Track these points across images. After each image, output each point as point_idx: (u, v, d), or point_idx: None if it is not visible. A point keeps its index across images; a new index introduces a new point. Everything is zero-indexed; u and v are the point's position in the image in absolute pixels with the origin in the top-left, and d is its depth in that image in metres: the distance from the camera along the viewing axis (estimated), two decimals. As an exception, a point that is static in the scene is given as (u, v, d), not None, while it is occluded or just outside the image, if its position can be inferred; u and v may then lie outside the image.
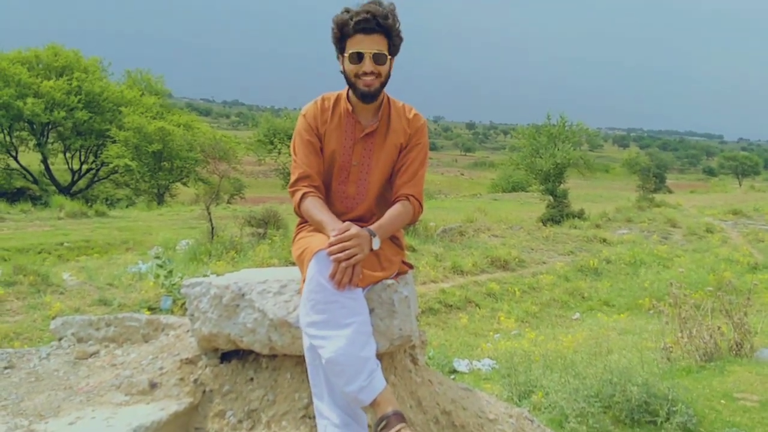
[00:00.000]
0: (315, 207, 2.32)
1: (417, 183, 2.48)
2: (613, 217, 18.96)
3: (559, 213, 19.52)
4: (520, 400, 4.11)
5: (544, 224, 17.51)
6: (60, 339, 2.95)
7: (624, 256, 12.31)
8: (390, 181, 2.51)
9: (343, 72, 2.36)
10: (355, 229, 2.15)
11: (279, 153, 26.15)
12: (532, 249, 13.11)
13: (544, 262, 12.12)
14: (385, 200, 2.51)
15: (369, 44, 2.27)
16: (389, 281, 2.40)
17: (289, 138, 21.95)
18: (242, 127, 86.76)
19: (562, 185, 21.23)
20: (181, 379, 2.46)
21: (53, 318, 6.17)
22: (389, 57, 2.34)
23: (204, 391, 2.44)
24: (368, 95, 2.34)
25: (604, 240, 14.64)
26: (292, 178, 2.43)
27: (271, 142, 26.06)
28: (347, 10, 2.29)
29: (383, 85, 2.36)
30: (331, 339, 2.06)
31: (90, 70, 31.85)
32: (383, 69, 2.33)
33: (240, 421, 2.34)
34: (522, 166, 23.02)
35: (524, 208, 24.94)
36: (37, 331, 6.10)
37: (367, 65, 2.28)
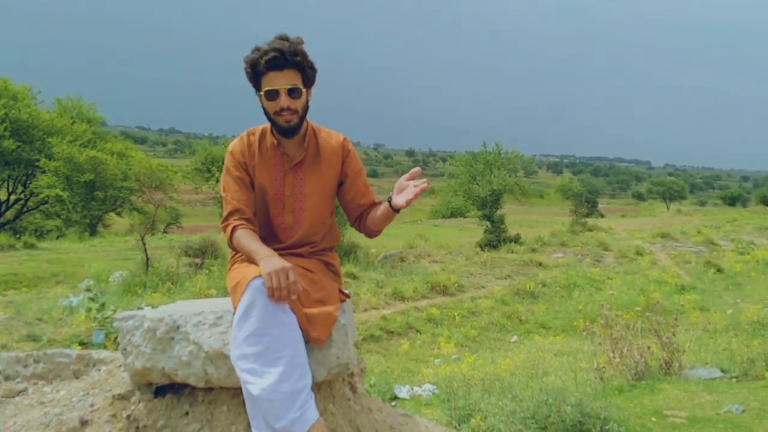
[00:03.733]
0: (245, 238, 2.33)
1: (373, 204, 2.55)
2: (548, 241, 19.43)
3: (496, 238, 19.88)
4: (459, 425, 4.15)
5: (482, 249, 17.79)
6: (-16, 378, 2.83)
7: (559, 279, 12.63)
8: (328, 210, 2.55)
9: (263, 109, 2.40)
10: (279, 265, 2.14)
11: (216, 181, 25.76)
12: (471, 274, 13.31)
13: (483, 287, 12.31)
14: (322, 225, 2.54)
15: (282, 80, 2.31)
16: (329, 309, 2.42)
17: (227, 166, 21.56)
18: (179, 155, 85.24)
19: (498, 211, 21.67)
20: (114, 416, 2.40)
21: (-23, 356, 5.89)
22: (304, 90, 2.37)
23: (137, 427, 2.39)
24: (288, 131, 2.39)
25: (540, 264, 14.99)
26: (224, 213, 2.45)
27: (209, 170, 25.69)
28: (257, 49, 2.32)
29: (302, 118, 2.40)
30: (261, 375, 2.06)
31: (19, 97, 30.80)
32: (299, 103, 2.36)
33: (175, 457, 2.30)
34: (460, 192, 23.41)
35: (463, 233, 25.30)
36: (-41, 370, 5.80)
37: (283, 101, 2.32)
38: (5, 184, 30.36)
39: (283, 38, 2.32)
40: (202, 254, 12.76)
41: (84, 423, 2.36)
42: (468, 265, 14.05)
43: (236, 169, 2.45)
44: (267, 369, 2.06)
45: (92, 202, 26.98)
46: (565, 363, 6.33)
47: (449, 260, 14.57)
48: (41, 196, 27.69)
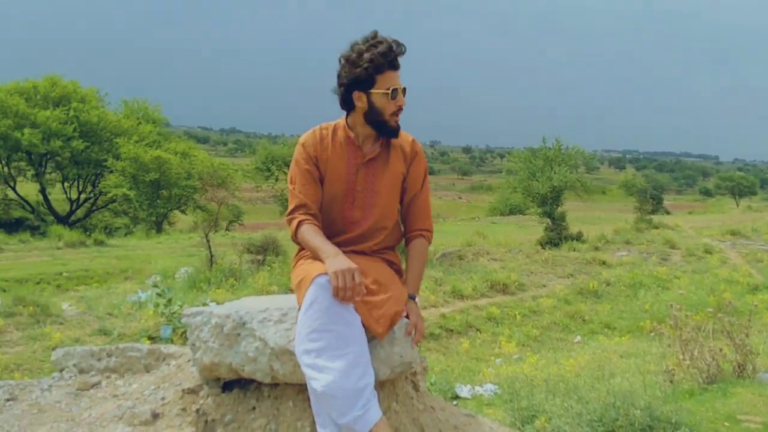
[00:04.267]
0: (310, 234, 2.34)
1: (428, 215, 2.59)
2: (611, 239, 18.96)
3: (557, 236, 19.52)
4: (523, 426, 4.08)
5: (543, 247, 17.50)
6: (61, 370, 2.94)
7: (624, 278, 12.30)
8: (396, 208, 2.57)
9: (368, 108, 2.38)
10: (345, 265, 2.15)
11: (276, 180, 26.26)
12: (532, 272, 13.10)
13: (544, 285, 12.10)
14: (388, 221, 2.55)
15: (398, 80, 2.37)
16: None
17: (287, 165, 21.87)
18: (240, 154, 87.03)
19: (559, 208, 21.27)
20: (183, 409, 2.45)
21: (53, 349, 6.13)
22: None
23: (206, 421, 2.43)
24: (398, 130, 2.44)
25: (604, 262, 14.64)
26: (290, 206, 2.46)
27: (269, 169, 26.16)
28: (371, 45, 2.33)
29: None
30: (324, 370, 2.07)
31: (87, 99, 32.05)
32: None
33: (242, 451, 2.33)
34: (519, 189, 23.08)
35: (523, 231, 24.94)
36: (37, 362, 6.06)
37: (402, 99, 2.38)
38: (76, 183, 31.68)
39: (392, 39, 2.34)
40: (264, 251, 12.97)
41: (155, 416, 2.42)
42: (528, 264, 13.83)
43: (306, 162, 2.45)
44: (329, 365, 2.07)
45: (158, 200, 27.86)
46: (632, 365, 6.15)
47: (509, 258, 14.38)
48: (109, 194, 28.76)
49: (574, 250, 16.68)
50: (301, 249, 2.52)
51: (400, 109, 2.38)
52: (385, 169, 2.49)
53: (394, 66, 2.34)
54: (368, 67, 2.31)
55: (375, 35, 2.35)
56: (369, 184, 2.48)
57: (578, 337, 8.97)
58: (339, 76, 2.40)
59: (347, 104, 2.43)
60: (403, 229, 2.63)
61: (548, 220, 20.87)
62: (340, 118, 2.55)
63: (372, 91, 2.35)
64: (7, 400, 2.69)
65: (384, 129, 2.42)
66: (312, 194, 2.44)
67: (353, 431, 2.05)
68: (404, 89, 2.38)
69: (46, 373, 5.55)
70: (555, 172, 21.06)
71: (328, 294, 2.14)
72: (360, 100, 2.38)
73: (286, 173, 24.65)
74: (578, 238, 19.35)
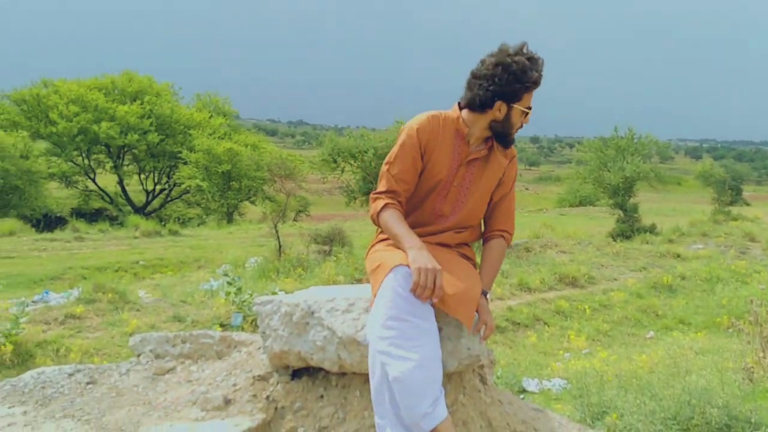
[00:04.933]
0: (393, 219, 2.33)
1: (511, 217, 2.60)
2: (687, 231, 18.27)
3: (629, 228, 18.96)
4: (593, 422, 3.99)
5: (614, 239, 17.03)
6: (138, 355, 3.06)
7: (700, 272, 11.83)
8: (483, 209, 2.57)
9: (504, 120, 2.40)
10: (431, 264, 2.15)
11: (342, 171, 26.46)
12: (602, 265, 12.76)
13: (615, 279, 11.77)
14: (474, 220, 2.56)
15: (531, 99, 2.39)
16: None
17: (353, 156, 21.88)
18: (307, 146, 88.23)
19: (632, 199, 20.63)
20: (254, 396, 2.51)
21: (131, 334, 6.39)
22: None
23: (276, 408, 2.48)
24: (512, 142, 2.49)
25: (678, 255, 14.11)
26: (379, 186, 2.44)
27: (335, 161, 26.36)
28: (531, 62, 2.33)
29: None
30: (399, 359, 2.06)
31: (162, 94, 33.19)
32: None
33: (311, 439, 2.37)
34: (589, 180, 22.50)
35: (593, 223, 24.34)
36: (115, 347, 6.34)
37: (528, 120, 2.41)
38: (151, 175, 32.90)
39: (538, 58, 2.35)
40: (330, 242, 13.11)
41: (227, 402, 2.49)
42: (599, 256, 13.47)
43: (413, 148, 2.41)
44: (405, 354, 2.06)
45: (229, 191, 28.58)
46: (709, 362, 5.91)
47: (578, 251, 14.05)
48: (183, 186, 29.72)
49: (647, 242, 16.16)
50: (379, 235, 2.52)
51: (522, 126, 2.42)
52: (484, 172, 2.49)
53: (535, 87, 2.37)
54: (529, 86, 2.34)
55: (527, 49, 2.34)
56: (465, 182, 2.47)
57: (651, 333, 8.70)
58: (487, 78, 2.34)
59: (483, 106, 2.38)
60: (485, 227, 2.63)
61: (620, 212, 20.28)
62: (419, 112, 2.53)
63: (515, 105, 2.36)
64: (88, 383, 2.81)
65: (503, 140, 2.45)
66: (407, 181, 2.42)
67: (419, 427, 2.05)
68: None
69: (124, 358, 5.80)
70: (627, 162, 20.42)
71: (407, 284, 2.14)
72: (500, 109, 2.37)
73: (351, 165, 24.78)
74: (652, 230, 18.75)
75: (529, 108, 2.38)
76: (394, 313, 2.11)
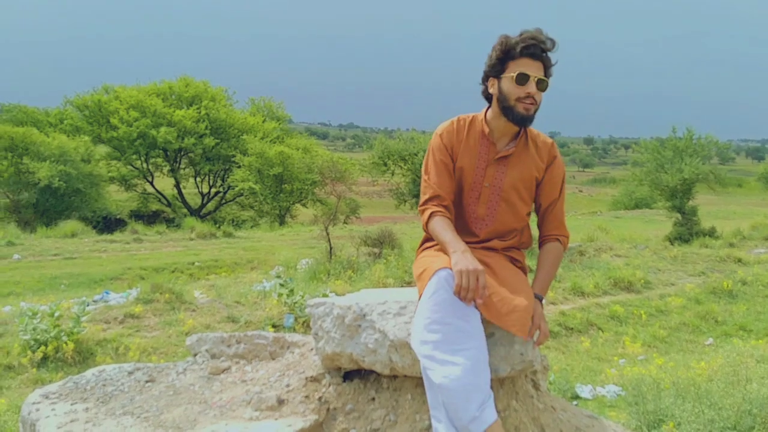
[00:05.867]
0: (440, 226, 2.34)
1: (563, 221, 2.56)
2: (748, 235, 17.64)
3: (687, 231, 18.43)
4: (649, 431, 3.90)
5: (672, 243, 16.58)
6: (195, 355, 3.13)
7: (762, 278, 11.40)
8: (525, 210, 2.53)
9: (498, 94, 2.39)
10: (472, 265, 2.13)
11: (392, 174, 26.55)
12: (659, 270, 12.43)
13: (673, 284, 11.45)
14: (515, 222, 2.51)
15: (534, 69, 2.32)
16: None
17: (402, 159, 21.96)
18: (357, 149, 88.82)
19: (690, 202, 20.05)
20: (307, 397, 2.54)
21: (186, 334, 6.57)
22: (548, 85, 2.37)
23: (328, 409, 2.50)
24: (525, 119, 2.37)
25: (739, 260, 13.63)
26: (423, 197, 2.47)
27: (385, 164, 26.47)
28: (509, 36, 2.34)
29: (536, 112, 2.39)
30: (443, 363, 2.05)
31: (217, 98, 33.92)
32: (541, 96, 2.36)
33: (363, 440, 2.38)
34: (646, 181, 21.96)
35: (649, 226, 23.75)
36: (172, 346, 6.50)
37: (531, 87, 2.32)
38: (207, 178, 33.64)
39: (541, 32, 2.34)
40: (380, 244, 13.16)
41: (281, 402, 2.52)
42: (655, 260, 13.13)
43: (441, 153, 2.46)
44: (447, 358, 2.05)
45: (281, 194, 28.99)
46: (772, 370, 5.70)
47: (634, 254, 13.73)
48: (237, 188, 30.27)
49: (707, 246, 15.67)
50: (428, 238, 2.54)
51: (528, 96, 2.32)
52: (517, 169, 2.46)
53: (531, 54, 2.31)
54: (500, 52, 2.34)
55: (526, 30, 2.34)
56: (497, 182, 2.45)
57: (710, 340, 8.43)
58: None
59: (486, 94, 2.44)
60: (539, 233, 2.60)
61: (678, 215, 19.74)
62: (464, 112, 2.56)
63: (503, 76, 2.36)
64: (147, 381, 2.89)
65: (511, 115, 2.37)
66: (446, 186, 2.44)
67: (467, 431, 2.04)
68: (540, 79, 2.32)
69: (180, 357, 5.95)
70: (686, 164, 19.85)
71: (449, 288, 2.13)
72: (493, 86, 2.40)
73: (401, 167, 24.77)
74: (711, 233, 18.18)
75: (519, 73, 2.30)
76: (437, 317, 2.11)
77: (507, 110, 2.37)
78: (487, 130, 2.45)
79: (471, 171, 2.45)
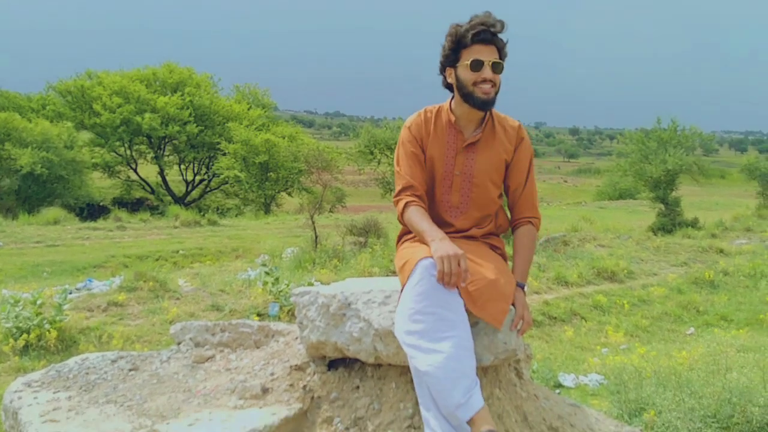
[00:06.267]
0: (416, 216, 2.37)
1: (535, 203, 2.57)
2: (730, 226, 17.84)
3: (670, 222, 18.61)
4: (630, 418, 3.94)
5: (655, 234, 16.73)
6: (179, 343, 3.12)
7: (743, 268, 11.54)
8: (497, 193, 2.55)
9: (456, 82, 2.41)
10: (452, 250, 2.15)
11: (379, 163, 26.52)
12: (642, 260, 12.55)
13: (655, 274, 11.57)
14: (487, 208, 2.52)
15: (487, 54, 2.34)
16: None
17: (389, 148, 21.96)
18: (343, 138, 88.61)
19: (673, 192, 20.23)
20: (291, 385, 2.54)
21: (171, 322, 6.54)
22: (503, 67, 2.38)
23: (312, 398, 2.51)
24: (486, 102, 2.38)
25: (721, 250, 13.79)
26: (396, 188, 2.50)
27: (371, 152, 26.44)
28: (459, 25, 2.36)
29: (496, 95, 2.40)
30: (427, 352, 2.07)
31: (202, 85, 33.64)
32: (498, 79, 2.37)
33: (347, 429, 2.39)
34: (630, 172, 22.11)
35: (633, 216, 23.95)
36: (156, 334, 6.47)
37: (487, 72, 2.33)
38: (191, 165, 33.43)
39: (490, 15, 2.35)
40: (366, 233, 13.16)
41: (265, 391, 2.53)
42: (638, 251, 13.25)
43: (411, 144, 2.49)
44: (433, 346, 2.07)
45: (266, 182, 28.89)
46: (751, 359, 5.78)
47: (617, 245, 13.84)
48: (222, 176, 30.12)
49: (689, 237, 15.83)
50: (406, 231, 2.55)
51: (485, 80, 2.34)
52: (486, 154, 2.48)
53: (483, 40, 2.33)
54: (452, 42, 2.37)
55: (475, 16, 2.35)
56: (467, 169, 2.48)
57: (691, 329, 8.53)
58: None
59: (445, 84, 2.47)
60: (509, 217, 2.61)
61: (661, 206, 19.92)
62: (445, 101, 2.56)
63: (458, 65, 2.38)
64: (130, 370, 2.89)
65: (471, 101, 2.39)
66: (418, 176, 2.47)
67: (455, 418, 2.05)
68: (494, 63, 2.34)
69: (164, 346, 5.92)
70: (670, 155, 20.00)
71: (432, 277, 2.14)
72: (450, 76, 2.43)
73: (388, 156, 24.77)
74: (694, 224, 18.38)
75: (473, 60, 2.33)
76: (420, 307, 2.12)
77: (467, 97, 2.39)
78: (453, 118, 2.48)
79: (441, 160, 2.48)
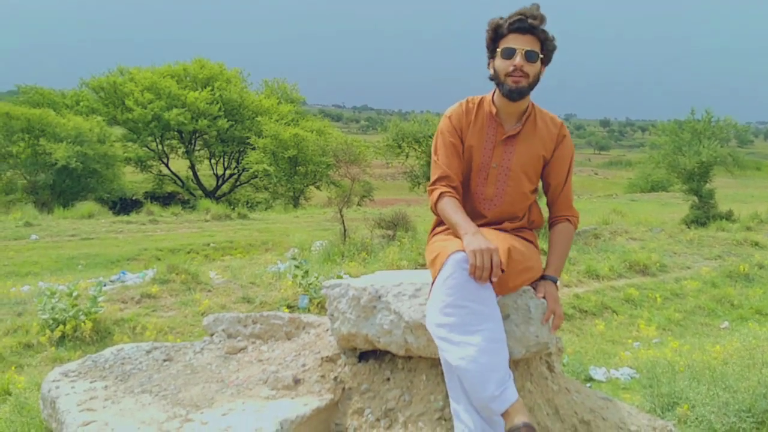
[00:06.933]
0: (450, 207, 2.36)
1: (572, 199, 2.58)
2: (766, 218, 17.43)
3: (704, 214, 18.26)
4: (663, 413, 3.89)
5: (688, 226, 16.44)
6: (212, 334, 3.16)
7: (779, 261, 11.31)
8: (532, 188, 2.55)
9: (494, 73, 2.41)
10: (485, 245, 2.14)
11: (407, 156, 26.48)
12: (675, 253, 12.35)
13: (689, 267, 11.38)
14: (521, 202, 2.50)
15: (521, 42, 2.33)
16: (525, 287, 2.39)
17: (417, 141, 21.89)
18: (371, 131, 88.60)
19: (707, 185, 19.84)
20: (322, 376, 2.57)
21: (203, 314, 6.63)
22: (540, 57, 2.36)
23: (343, 389, 2.53)
24: (515, 91, 2.36)
25: (757, 243, 13.50)
26: (432, 177, 2.50)
27: (399, 146, 26.42)
28: (497, 18, 2.38)
29: (531, 86, 2.38)
30: (459, 345, 2.06)
31: (232, 80, 33.90)
32: (532, 68, 2.35)
33: (378, 420, 2.40)
34: (663, 164, 21.74)
35: (665, 209, 23.57)
36: (188, 326, 6.56)
37: (518, 60, 2.32)
38: (221, 159, 33.75)
39: (533, 7, 2.35)
40: (394, 226, 13.14)
41: (297, 381, 2.55)
42: (671, 244, 13.04)
43: (450, 134, 2.49)
44: (465, 339, 2.06)
45: (295, 176, 29.04)
46: (788, 354, 5.66)
47: (650, 238, 13.63)
48: (251, 170, 30.36)
49: (723, 230, 15.52)
50: (438, 223, 2.55)
51: (515, 69, 2.32)
52: (524, 148, 2.47)
53: (518, 29, 2.32)
54: (490, 33, 2.38)
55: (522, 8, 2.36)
56: (504, 161, 2.46)
57: (726, 323, 8.38)
58: None
59: (490, 77, 2.46)
60: (549, 214, 2.62)
61: (695, 198, 19.56)
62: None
63: (495, 55, 2.39)
64: (164, 360, 2.94)
65: (502, 90, 2.39)
66: (455, 166, 2.47)
67: (489, 410, 2.04)
68: (528, 51, 2.31)
69: (197, 337, 6.01)
70: (704, 146, 19.61)
71: (463, 271, 2.13)
72: (490, 67, 2.43)
73: (416, 150, 24.71)
74: (728, 217, 18.01)
75: (505, 48, 2.33)
76: (452, 300, 2.11)
77: (500, 86, 2.40)
78: (494, 110, 2.47)
79: (479, 151, 2.47)
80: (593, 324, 7.95)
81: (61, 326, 5.88)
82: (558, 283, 2.43)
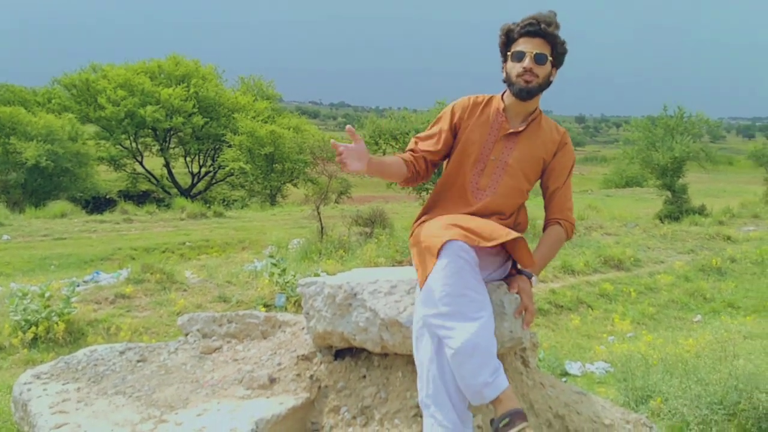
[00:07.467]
0: (389, 158, 2.51)
1: (570, 207, 2.62)
2: (737, 213, 17.79)
3: (677, 209, 18.55)
4: (637, 406, 3.95)
5: (662, 221, 16.69)
6: (186, 334, 3.14)
7: (750, 255, 11.52)
8: (526, 189, 2.58)
9: (506, 76, 2.48)
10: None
11: (384, 153, 26.45)
12: (649, 247, 12.52)
13: (662, 262, 11.55)
14: (512, 198, 2.53)
15: (531, 45, 2.40)
16: (498, 282, 2.40)
17: (394, 138, 21.88)
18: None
19: (680, 180, 20.15)
20: (298, 375, 2.56)
21: (178, 314, 6.57)
22: (550, 59, 2.42)
23: (319, 387, 2.52)
24: (525, 90, 2.43)
25: (728, 237, 13.76)
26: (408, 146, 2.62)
27: (376, 143, 26.39)
28: (510, 23, 2.47)
29: (541, 87, 2.45)
30: (459, 330, 2.07)
31: (207, 77, 33.58)
32: (542, 70, 2.42)
33: (354, 417, 2.40)
34: (637, 160, 22.03)
35: (639, 204, 23.88)
36: (163, 326, 6.51)
37: (528, 62, 2.39)
38: (197, 157, 33.44)
39: (546, 13, 2.43)
40: (372, 224, 13.16)
41: (272, 380, 2.54)
42: (645, 239, 13.23)
43: (445, 122, 2.58)
44: (464, 324, 2.07)
45: (272, 174, 28.87)
46: (758, 346, 5.79)
47: (624, 233, 13.82)
48: (227, 168, 30.13)
49: (696, 224, 15.79)
50: (423, 212, 2.56)
51: (525, 71, 2.39)
52: (526, 147, 2.52)
53: (528, 33, 2.40)
54: (502, 37, 2.47)
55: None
56: (503, 156, 2.51)
57: (698, 316, 8.53)
58: None
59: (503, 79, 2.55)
60: (544, 217, 2.65)
61: (668, 193, 19.86)
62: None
63: (508, 54, 2.46)
64: (138, 361, 2.90)
65: (513, 90, 2.46)
66: (428, 145, 2.57)
67: (481, 396, 2.05)
68: (537, 54, 2.38)
69: (172, 337, 5.96)
70: (677, 142, 19.91)
71: (460, 259, 2.13)
72: (503, 71, 2.51)
73: (393, 146, 24.72)
74: (701, 211, 18.32)
75: (515, 50, 2.41)
76: (450, 289, 2.11)
77: (511, 87, 2.47)
78: (502, 106, 2.54)
79: (479, 144, 2.52)
80: (569, 319, 8.04)
81: (33, 328, 5.79)
82: (534, 280, 2.44)
